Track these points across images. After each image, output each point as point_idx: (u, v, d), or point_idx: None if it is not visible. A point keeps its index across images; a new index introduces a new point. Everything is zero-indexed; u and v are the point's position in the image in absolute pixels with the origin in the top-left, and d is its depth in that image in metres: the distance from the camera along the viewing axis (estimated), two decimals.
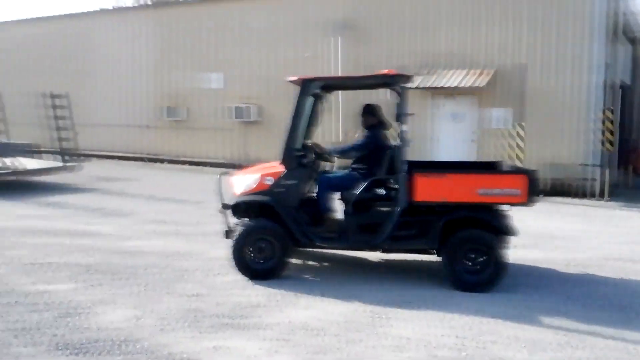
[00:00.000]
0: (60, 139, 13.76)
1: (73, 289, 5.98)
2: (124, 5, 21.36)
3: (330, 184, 6.61)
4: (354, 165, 6.69)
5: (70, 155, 14.02)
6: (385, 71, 6.40)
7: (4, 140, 13.33)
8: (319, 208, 6.54)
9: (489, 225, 6.08)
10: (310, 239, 6.27)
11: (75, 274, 6.51)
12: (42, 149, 14.63)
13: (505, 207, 6.31)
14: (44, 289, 5.97)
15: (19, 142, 14.04)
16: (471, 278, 6.01)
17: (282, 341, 4.74)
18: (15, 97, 17.40)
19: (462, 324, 5.16)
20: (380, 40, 15.77)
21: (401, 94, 6.23)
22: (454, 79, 14.21)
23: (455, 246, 6.01)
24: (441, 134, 15.04)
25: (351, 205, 6.27)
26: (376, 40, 15.82)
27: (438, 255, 6.32)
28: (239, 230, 6.31)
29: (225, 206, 6.60)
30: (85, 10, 21.72)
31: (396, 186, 6.21)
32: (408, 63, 15.03)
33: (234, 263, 6.30)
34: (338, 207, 6.66)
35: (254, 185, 6.39)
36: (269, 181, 6.34)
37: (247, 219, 6.48)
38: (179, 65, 19.12)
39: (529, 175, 5.98)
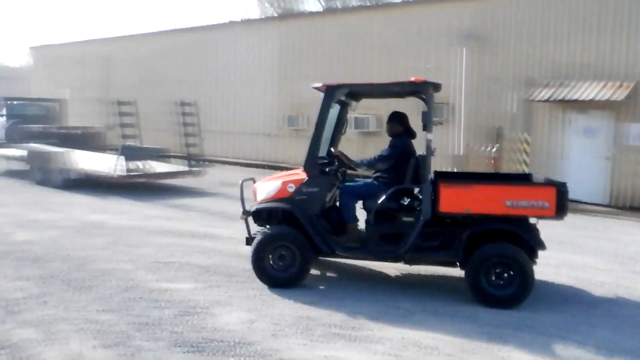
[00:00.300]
0: (187, 145, 14.49)
1: (193, 289, 6.23)
2: (251, 18, 22.26)
3: (353, 193, 6.58)
4: (378, 174, 6.64)
5: (196, 160, 14.74)
6: (413, 78, 6.23)
7: (137, 144, 14.27)
8: (341, 217, 6.52)
9: (516, 239, 5.90)
10: (332, 248, 6.22)
11: (196, 274, 6.79)
12: (171, 154, 15.49)
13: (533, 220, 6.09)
14: (167, 287, 6.27)
15: (151, 146, 14.95)
16: (496, 292, 5.84)
17: (394, 357, 4.64)
18: (149, 104, 18.66)
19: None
20: (507, 50, 15.18)
21: (428, 102, 6.15)
22: (589, 91, 13.34)
23: (481, 259, 5.84)
24: (572, 151, 14.16)
25: (373, 215, 6.23)
26: (503, 50, 15.24)
27: (462, 269, 6.23)
28: (259, 237, 6.32)
29: (246, 212, 6.61)
30: (215, 23, 22.92)
31: (420, 196, 6.12)
32: (537, 74, 14.36)
33: (253, 269, 6.32)
34: (361, 217, 6.60)
35: (276, 192, 6.38)
36: (291, 188, 6.32)
37: (268, 226, 6.51)
38: (301, 75, 19.57)
39: (559, 188, 5.80)
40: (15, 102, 19.21)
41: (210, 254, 7.78)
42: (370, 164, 6.67)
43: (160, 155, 14.77)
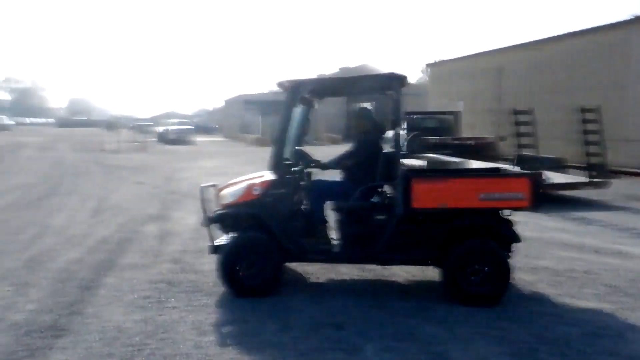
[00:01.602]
0: (588, 154, 13.68)
1: (598, 308, 5.81)
2: None
3: (322, 193, 6.34)
4: (347, 173, 6.44)
5: (599, 170, 13.77)
6: (381, 72, 5.99)
7: (533, 154, 14.05)
8: (312, 218, 6.26)
9: (493, 233, 5.86)
10: (304, 252, 5.99)
11: (603, 293, 6.31)
12: (569, 164, 14.83)
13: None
14: (570, 303, 5.99)
15: (547, 156, 14.57)
16: (476, 290, 5.71)
17: None
18: (543, 113, 18.21)
19: None
20: None
21: (396, 97, 6.00)
22: None
23: (459, 256, 5.74)
24: None
25: (345, 215, 6.02)
26: None
27: (439, 267, 6.01)
28: (227, 243, 6.07)
29: (209, 220, 6.26)
30: (619, 20, 21.08)
31: (390, 194, 6.01)
32: None
33: (220, 279, 6.01)
34: (331, 217, 6.33)
35: (241, 196, 6.12)
36: (257, 191, 6.06)
37: (232, 233, 6.23)
38: None
39: (531, 178, 5.76)
40: (414, 116, 21.14)
41: (618, 272, 7.14)
42: (336, 163, 6.46)
43: (557, 165, 14.28)
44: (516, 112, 14.27)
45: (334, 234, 6.30)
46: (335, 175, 6.69)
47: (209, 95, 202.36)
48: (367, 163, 6.25)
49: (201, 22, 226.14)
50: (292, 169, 6.33)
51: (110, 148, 31.40)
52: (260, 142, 35.85)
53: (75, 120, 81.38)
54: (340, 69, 47.47)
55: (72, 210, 11.55)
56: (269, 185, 6.05)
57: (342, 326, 5.23)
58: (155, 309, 5.69)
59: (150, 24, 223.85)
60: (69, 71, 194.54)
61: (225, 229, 6.41)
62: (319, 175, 6.82)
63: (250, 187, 6.12)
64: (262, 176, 6.27)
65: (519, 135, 13.93)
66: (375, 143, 6.45)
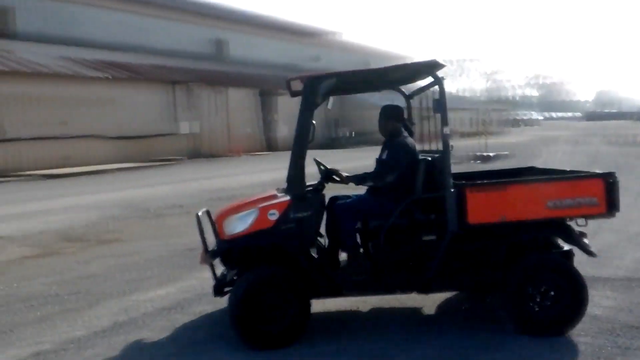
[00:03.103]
0: None
1: None
2: None
3: (352, 213, 5.21)
4: (386, 186, 5.32)
5: None
6: (422, 60, 5.15)
7: None
8: (340, 244, 5.30)
9: (556, 247, 5.15)
10: (338, 286, 5.00)
11: None
12: None
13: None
14: None
15: None
16: (544, 317, 4.83)
17: None
18: None
19: None
20: None
21: (440, 86, 5.00)
22: None
23: (523, 277, 4.88)
24: None
25: (383, 238, 4.95)
26: None
27: (501, 291, 5.05)
28: (241, 283, 4.87)
29: (212, 254, 5.11)
30: None
31: (436, 208, 5.07)
32: None
33: (233, 327, 4.84)
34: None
35: (253, 223, 4.95)
36: (273, 216, 4.94)
37: (242, 269, 5.10)
38: None
39: (606, 179, 4.86)
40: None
41: None
42: (375, 178, 5.35)
43: None
44: None
45: (370, 263, 5.29)
46: (351, 190, 5.68)
47: None
48: (404, 172, 5.30)
49: None
50: (313, 186, 5.38)
51: None
52: None
53: (603, 113, 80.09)
54: None
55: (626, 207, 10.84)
56: (289, 208, 5.00)
57: None
58: None
59: None
60: (595, 63, 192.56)
61: (232, 265, 5.28)
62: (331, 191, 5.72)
63: (264, 212, 5.02)
64: (275, 196, 5.20)
65: None
66: (412, 147, 5.49)
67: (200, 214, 5.35)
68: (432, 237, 5.08)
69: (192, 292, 6.51)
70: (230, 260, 5.25)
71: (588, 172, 5.28)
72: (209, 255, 5.19)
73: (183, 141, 32.81)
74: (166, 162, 29.05)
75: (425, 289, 5.17)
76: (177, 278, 7.16)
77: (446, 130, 4.97)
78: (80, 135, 27.34)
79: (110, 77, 29.46)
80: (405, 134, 5.55)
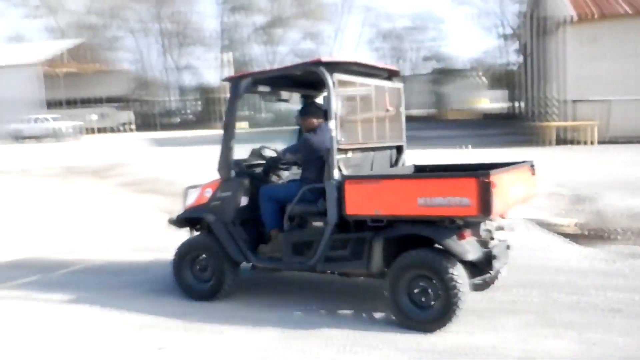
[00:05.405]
0: None
1: None
2: None
3: (271, 196, 5.93)
4: (303, 175, 5.92)
5: None
6: (312, 59, 5.56)
7: None
8: (262, 223, 5.97)
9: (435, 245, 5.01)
10: (247, 259, 5.81)
11: None
12: None
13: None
14: None
15: None
16: (415, 312, 4.98)
17: None
18: None
19: None
20: None
21: (328, 86, 5.29)
22: None
23: (398, 272, 5.03)
24: None
25: (288, 221, 5.69)
26: None
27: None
28: (179, 245, 6.19)
29: (171, 221, 6.44)
30: None
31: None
32: None
33: (174, 278, 6.21)
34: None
35: (197, 198, 6.16)
36: (208, 193, 6.03)
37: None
38: None
39: (480, 179, 4.58)
40: None
41: None
42: (280, 152, 6.13)
43: None
44: None
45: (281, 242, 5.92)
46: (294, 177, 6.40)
47: None
48: (317, 162, 5.67)
49: None
50: (240, 169, 6.14)
51: None
52: None
53: None
54: None
55: None
56: (218, 188, 5.99)
57: None
58: None
59: None
60: None
61: (192, 232, 6.47)
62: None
63: (203, 190, 6.14)
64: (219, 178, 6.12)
65: None
66: (321, 141, 5.67)
67: (185, 189, 6.44)
68: (320, 224, 5.41)
69: None
70: (191, 228, 6.41)
71: (465, 172, 5.34)
72: (169, 222, 6.47)
73: None
74: None
75: (312, 270, 5.58)
76: None
77: (331, 125, 5.25)
78: None
79: None
80: (326, 129, 5.60)
